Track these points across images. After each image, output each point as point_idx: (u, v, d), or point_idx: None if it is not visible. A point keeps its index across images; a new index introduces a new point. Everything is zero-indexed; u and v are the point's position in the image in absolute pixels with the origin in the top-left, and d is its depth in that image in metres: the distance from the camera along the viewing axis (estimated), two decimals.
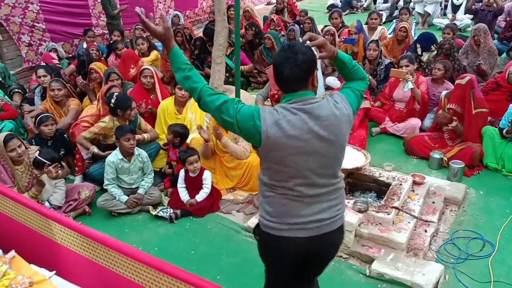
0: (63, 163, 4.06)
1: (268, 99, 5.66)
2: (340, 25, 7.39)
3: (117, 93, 4.34)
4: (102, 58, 6.52)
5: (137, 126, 4.37)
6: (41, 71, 5.10)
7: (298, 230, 1.93)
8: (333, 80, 5.87)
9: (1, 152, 3.50)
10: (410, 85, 4.91)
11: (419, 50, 6.11)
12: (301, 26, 7.56)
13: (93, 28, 7.85)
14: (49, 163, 3.63)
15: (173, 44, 1.94)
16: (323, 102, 1.86)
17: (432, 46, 6.02)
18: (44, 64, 5.48)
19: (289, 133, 1.77)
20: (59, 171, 3.65)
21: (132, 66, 5.78)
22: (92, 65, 5.40)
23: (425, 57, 6.08)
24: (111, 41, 6.79)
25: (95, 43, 6.80)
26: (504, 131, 4.23)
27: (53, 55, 6.13)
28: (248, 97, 5.71)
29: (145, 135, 4.35)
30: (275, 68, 1.86)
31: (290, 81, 1.82)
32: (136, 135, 4.27)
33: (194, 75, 1.90)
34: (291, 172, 1.84)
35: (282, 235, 1.94)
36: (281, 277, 2.15)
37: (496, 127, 4.53)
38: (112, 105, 4.17)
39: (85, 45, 6.97)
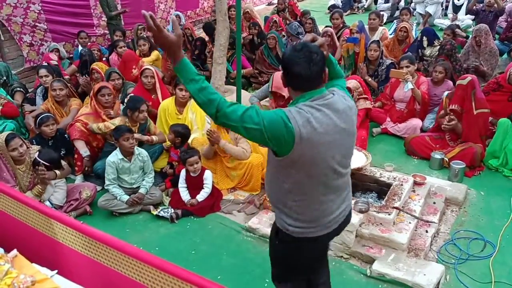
0: (64, 163, 4.07)
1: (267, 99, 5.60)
2: (341, 25, 7.40)
3: (132, 94, 4.41)
4: (104, 59, 6.54)
5: (146, 127, 4.39)
6: (42, 71, 5.12)
7: (330, 226, 2.04)
8: None
9: (2, 151, 3.51)
10: (410, 85, 4.92)
11: (425, 43, 6.16)
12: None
13: (94, 28, 7.88)
14: (47, 164, 3.64)
15: (182, 54, 1.78)
16: (336, 96, 1.91)
17: (434, 41, 6.09)
18: (45, 64, 5.50)
19: (319, 130, 1.78)
20: (46, 175, 3.63)
21: (134, 67, 5.79)
22: (94, 65, 5.42)
23: (428, 51, 6.12)
24: (114, 41, 6.80)
25: (97, 43, 6.81)
26: None
27: (53, 56, 6.13)
28: (248, 97, 5.70)
29: (154, 137, 4.38)
30: (291, 68, 1.83)
31: (310, 79, 1.84)
32: (145, 136, 4.31)
33: (209, 86, 1.78)
34: (322, 169, 1.87)
35: (316, 235, 2.00)
36: (308, 270, 2.27)
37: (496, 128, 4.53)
38: (124, 104, 4.23)
39: (80, 48, 6.98)
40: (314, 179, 1.89)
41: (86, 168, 4.35)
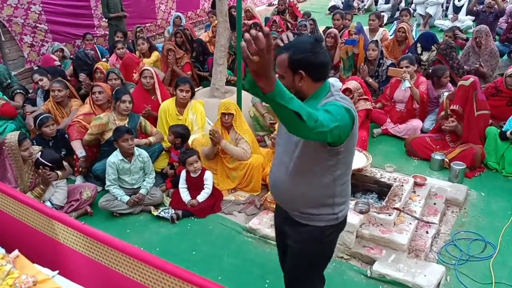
0: (66, 163, 4.07)
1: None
2: (342, 26, 7.41)
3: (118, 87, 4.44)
4: (104, 59, 6.54)
5: (137, 125, 4.37)
6: (36, 76, 5.17)
7: None
8: (334, 81, 5.88)
9: (13, 151, 3.49)
10: (407, 83, 4.93)
11: (419, 50, 6.16)
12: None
13: (95, 29, 7.89)
14: (50, 165, 3.65)
15: (274, 75, 1.49)
16: None
17: (432, 46, 6.07)
18: (36, 68, 5.51)
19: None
20: (51, 177, 3.65)
21: (134, 71, 5.80)
22: (98, 65, 5.42)
23: (425, 56, 6.12)
24: (113, 42, 6.82)
25: (95, 44, 6.83)
26: (508, 132, 4.23)
27: (54, 56, 6.14)
28: (249, 99, 5.70)
29: (151, 138, 4.38)
30: (315, 60, 1.84)
31: (329, 67, 1.94)
32: (143, 140, 4.31)
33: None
34: (355, 147, 2.02)
35: (349, 207, 2.18)
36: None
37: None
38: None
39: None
40: (351, 160, 2.02)
41: (81, 169, 4.33)
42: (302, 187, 1.99)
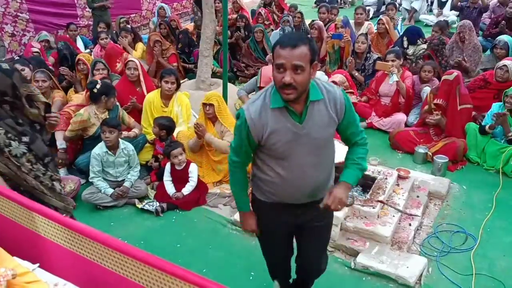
0: None
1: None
2: (328, 19, 7.42)
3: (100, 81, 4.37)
4: (88, 50, 6.44)
5: (117, 117, 4.32)
6: (17, 67, 5.01)
7: None
8: (321, 75, 5.89)
9: None
10: (395, 77, 4.96)
11: (405, 43, 6.21)
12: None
13: (78, 19, 7.75)
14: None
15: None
16: None
17: (418, 40, 6.12)
18: (17, 58, 5.39)
19: None
20: None
21: (117, 61, 5.72)
22: (80, 56, 5.32)
23: (410, 50, 6.17)
24: (97, 32, 6.71)
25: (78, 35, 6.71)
26: (487, 126, 4.29)
27: (35, 43, 6.01)
28: (235, 91, 5.68)
29: (136, 130, 4.34)
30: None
31: None
32: (131, 132, 4.29)
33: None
34: None
35: None
36: None
37: (478, 122, 4.60)
38: (95, 90, 4.12)
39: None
40: None
41: (60, 161, 4.26)
42: (329, 171, 2.15)
